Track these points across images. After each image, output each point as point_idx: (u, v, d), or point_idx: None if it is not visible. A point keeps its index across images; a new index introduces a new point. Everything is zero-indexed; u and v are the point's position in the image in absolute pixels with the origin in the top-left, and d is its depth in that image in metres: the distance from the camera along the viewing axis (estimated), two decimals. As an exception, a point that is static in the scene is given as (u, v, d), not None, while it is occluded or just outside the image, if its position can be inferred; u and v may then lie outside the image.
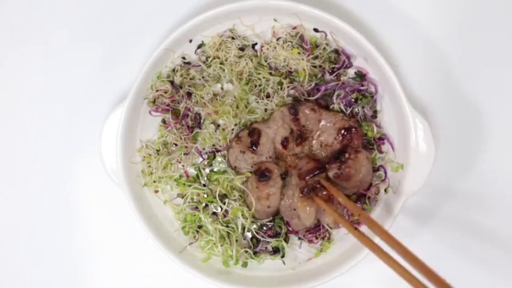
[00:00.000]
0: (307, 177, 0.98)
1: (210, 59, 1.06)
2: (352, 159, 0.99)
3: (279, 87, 1.04)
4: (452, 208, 1.08)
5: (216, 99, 1.06)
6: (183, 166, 1.07)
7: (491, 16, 1.10)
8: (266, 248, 1.05)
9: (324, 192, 0.96)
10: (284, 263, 1.04)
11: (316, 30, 1.05)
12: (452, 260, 1.06)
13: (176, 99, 1.05)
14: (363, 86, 1.04)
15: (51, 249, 1.12)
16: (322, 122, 1.02)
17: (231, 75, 1.05)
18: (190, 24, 1.00)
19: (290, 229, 1.05)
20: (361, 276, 1.09)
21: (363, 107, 1.04)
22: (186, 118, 1.06)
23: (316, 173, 0.98)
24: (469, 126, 1.09)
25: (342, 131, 1.01)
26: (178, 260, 0.99)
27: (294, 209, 1.00)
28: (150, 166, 1.05)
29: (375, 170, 1.04)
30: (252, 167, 1.03)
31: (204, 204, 1.05)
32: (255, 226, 1.05)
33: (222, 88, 1.07)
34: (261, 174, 0.99)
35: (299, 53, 1.03)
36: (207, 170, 1.07)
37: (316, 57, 1.04)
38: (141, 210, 1.01)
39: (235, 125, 1.05)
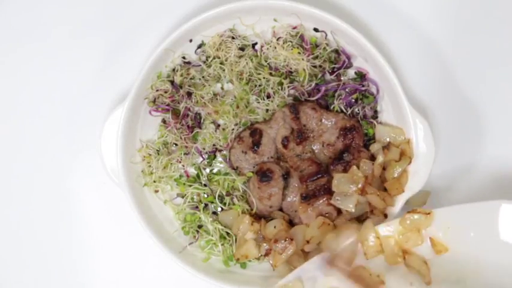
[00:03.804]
0: (308, 181, 0.98)
1: (210, 59, 1.06)
2: (356, 159, 0.99)
3: (280, 87, 1.04)
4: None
5: (216, 99, 1.06)
6: (183, 166, 1.07)
7: (492, 17, 1.10)
8: (266, 247, 1.05)
9: (324, 199, 0.96)
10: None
11: (316, 30, 1.05)
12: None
13: (176, 99, 1.05)
14: (363, 86, 1.04)
15: (51, 249, 1.12)
16: (323, 122, 1.02)
17: (231, 75, 1.05)
18: (190, 24, 1.00)
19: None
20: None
21: (364, 107, 1.04)
22: (186, 118, 1.05)
23: (318, 176, 0.98)
24: (469, 126, 1.09)
25: (344, 131, 1.01)
26: (178, 260, 0.99)
27: (296, 211, 1.00)
28: (150, 166, 1.05)
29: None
30: (253, 167, 1.03)
31: (204, 204, 1.05)
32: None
33: (222, 88, 1.07)
34: (263, 174, 0.99)
35: (299, 52, 1.03)
36: (208, 170, 1.07)
37: (316, 57, 1.04)
38: (141, 210, 1.01)
39: (236, 124, 1.05)
